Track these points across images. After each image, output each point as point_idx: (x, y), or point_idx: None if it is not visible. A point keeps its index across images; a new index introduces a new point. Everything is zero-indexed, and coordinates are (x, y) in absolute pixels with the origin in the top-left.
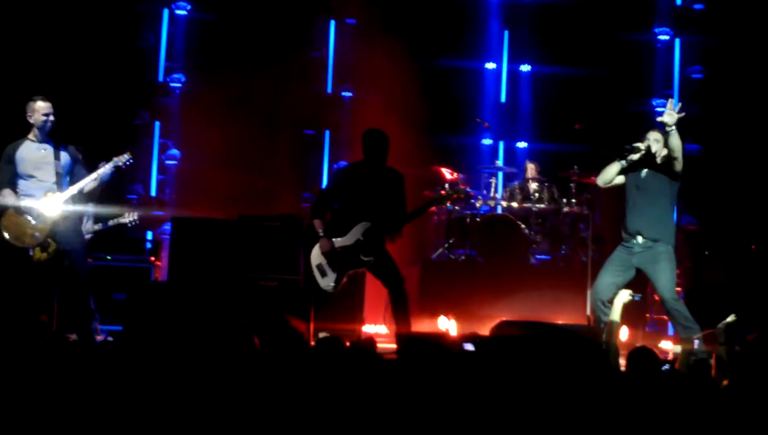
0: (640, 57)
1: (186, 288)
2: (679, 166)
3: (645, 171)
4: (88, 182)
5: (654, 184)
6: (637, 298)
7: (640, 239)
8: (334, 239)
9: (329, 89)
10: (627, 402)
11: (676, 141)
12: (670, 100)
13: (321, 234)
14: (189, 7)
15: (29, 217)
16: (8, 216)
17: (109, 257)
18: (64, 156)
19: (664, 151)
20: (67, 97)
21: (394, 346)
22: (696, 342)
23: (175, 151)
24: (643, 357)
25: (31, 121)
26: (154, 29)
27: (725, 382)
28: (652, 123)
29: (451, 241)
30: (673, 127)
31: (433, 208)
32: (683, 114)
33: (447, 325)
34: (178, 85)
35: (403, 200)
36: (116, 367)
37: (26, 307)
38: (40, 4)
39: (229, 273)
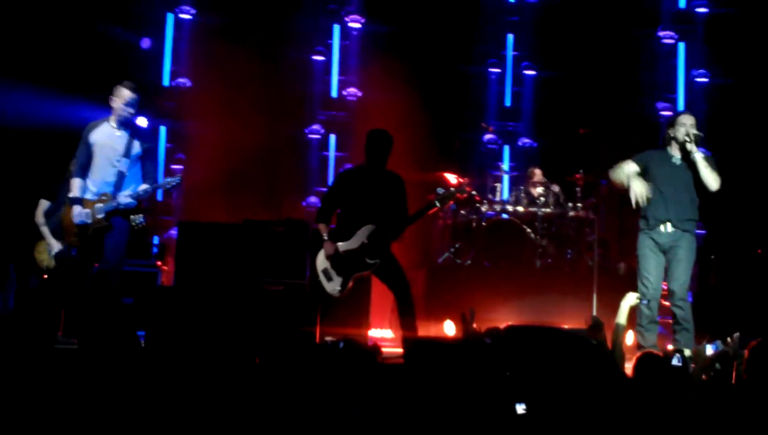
0: (644, 60)
1: (192, 292)
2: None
3: (677, 159)
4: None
5: (687, 172)
6: (644, 302)
7: (669, 228)
8: (338, 243)
9: (334, 92)
10: (633, 407)
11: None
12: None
13: (325, 238)
14: (194, 12)
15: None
16: (68, 208)
17: None
18: (135, 149)
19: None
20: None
21: (400, 350)
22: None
23: (181, 155)
24: (651, 363)
25: (113, 105)
26: (158, 33)
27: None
28: (657, 126)
29: (457, 246)
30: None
31: (438, 211)
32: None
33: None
34: (183, 89)
35: (404, 204)
36: (126, 371)
37: (39, 310)
38: (42, 10)
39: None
